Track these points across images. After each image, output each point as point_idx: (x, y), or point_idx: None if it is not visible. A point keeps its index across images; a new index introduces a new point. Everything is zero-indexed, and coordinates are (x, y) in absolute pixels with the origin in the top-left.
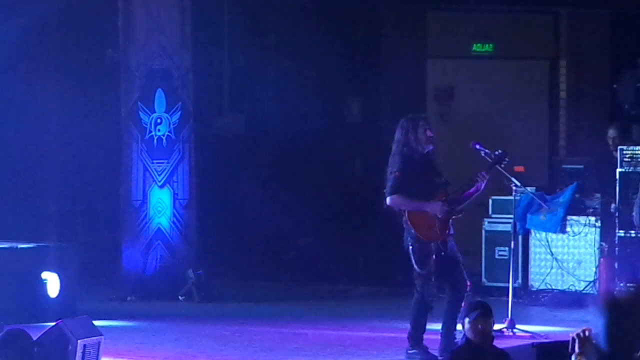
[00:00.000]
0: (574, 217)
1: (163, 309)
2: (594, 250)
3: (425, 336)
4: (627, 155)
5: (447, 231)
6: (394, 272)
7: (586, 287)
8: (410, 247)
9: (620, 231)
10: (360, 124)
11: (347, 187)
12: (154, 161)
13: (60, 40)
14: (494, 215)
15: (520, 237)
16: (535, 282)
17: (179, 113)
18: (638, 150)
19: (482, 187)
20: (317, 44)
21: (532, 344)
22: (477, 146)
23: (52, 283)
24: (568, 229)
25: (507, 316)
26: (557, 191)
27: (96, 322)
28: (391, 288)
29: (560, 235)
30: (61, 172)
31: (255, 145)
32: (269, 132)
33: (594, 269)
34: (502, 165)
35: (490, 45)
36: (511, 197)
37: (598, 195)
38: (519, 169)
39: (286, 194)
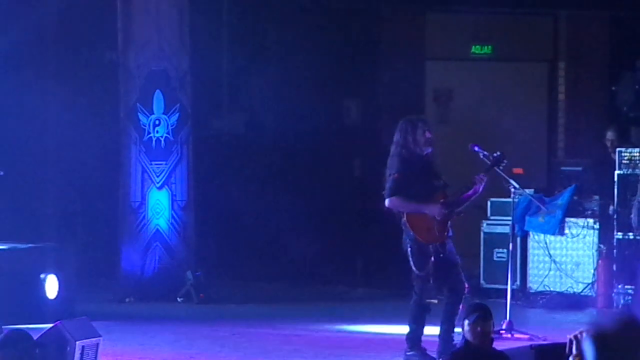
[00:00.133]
0: (573, 219)
1: (161, 311)
2: (593, 253)
3: (423, 338)
4: (626, 157)
5: (445, 233)
6: (392, 274)
7: (584, 289)
8: (409, 249)
9: (619, 233)
10: (359, 126)
11: (346, 188)
12: (153, 162)
13: (59, 41)
14: (492, 217)
15: (518, 239)
16: (534, 284)
17: (177, 114)
18: (636, 152)
19: (480, 189)
20: (316, 46)
21: (531, 345)
22: (476, 148)
23: (51, 284)
24: (566, 231)
25: (506, 318)
26: (556, 193)
27: (95, 324)
28: (389, 290)
29: (558, 237)
30: (60, 173)
31: (254, 146)
32: (267, 133)
33: (592, 271)
34: (501, 167)
35: (489, 47)
36: (510, 199)
37: (596, 197)
38: (518, 171)
39: (284, 195)
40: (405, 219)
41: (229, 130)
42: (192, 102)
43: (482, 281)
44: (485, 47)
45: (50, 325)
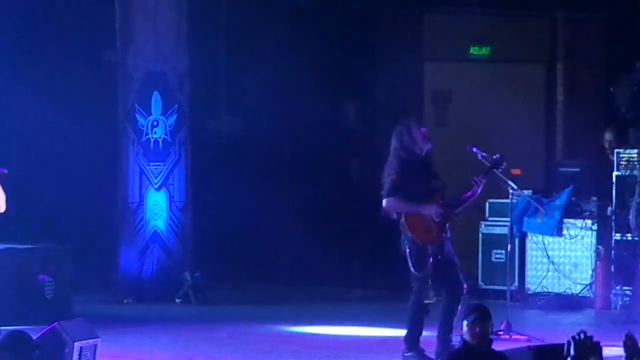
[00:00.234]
0: (571, 220)
1: (159, 312)
2: (591, 254)
3: (421, 339)
4: (624, 159)
5: (443, 234)
6: (390, 274)
7: (582, 290)
8: (407, 250)
9: (617, 234)
10: (357, 127)
11: (344, 189)
12: (151, 164)
13: (57, 42)
14: (490, 218)
15: (516, 240)
16: (532, 285)
17: (175, 116)
18: (634, 153)
19: (479, 191)
20: (314, 47)
21: (529, 347)
22: (474, 149)
23: (49, 285)
24: (564, 232)
25: (504, 319)
26: (554, 194)
27: (93, 325)
28: (387, 291)
29: (556, 239)
30: (57, 174)
31: (252, 147)
32: (265, 134)
33: (590, 272)
34: (500, 170)
35: (487, 48)
36: (508, 200)
37: (594, 198)
38: (516, 172)
39: (282, 196)
40: (403, 220)
41: (227, 132)
42: (190, 103)
43: (480, 282)
44: (484, 49)
45: (48, 326)
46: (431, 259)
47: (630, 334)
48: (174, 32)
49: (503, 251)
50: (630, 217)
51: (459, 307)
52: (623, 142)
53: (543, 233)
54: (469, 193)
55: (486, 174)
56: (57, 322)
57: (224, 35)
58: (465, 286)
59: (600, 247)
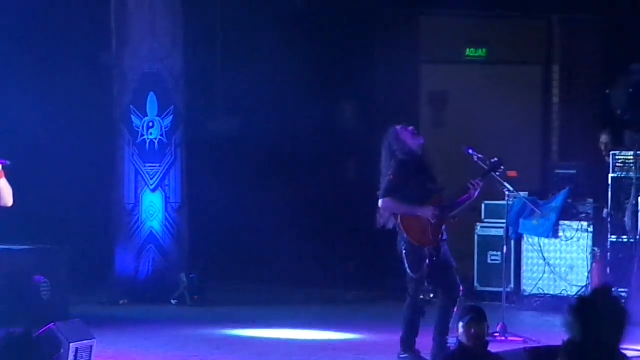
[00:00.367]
0: (567, 222)
1: (155, 313)
2: (587, 256)
3: (417, 341)
4: (620, 161)
5: (440, 236)
6: (386, 276)
7: (578, 292)
8: (404, 252)
9: (613, 236)
10: (354, 128)
11: (340, 190)
12: (146, 165)
13: (53, 43)
14: (486, 220)
15: (512, 242)
16: (528, 287)
17: (172, 117)
18: (630, 155)
19: (476, 194)
20: (311, 48)
21: (524, 348)
22: (470, 151)
23: (45, 286)
24: (560, 234)
25: (500, 321)
26: (550, 196)
27: (89, 326)
28: (383, 292)
29: (552, 240)
30: (53, 175)
31: (248, 149)
32: (261, 135)
33: (586, 274)
34: (498, 173)
35: (484, 50)
36: (504, 202)
37: (590, 200)
38: (512, 174)
39: (279, 197)
40: (399, 221)
41: (224, 133)
42: (187, 104)
43: (476, 284)
44: (480, 50)
45: (44, 327)
46: (427, 261)
47: None
48: (170, 33)
49: (499, 253)
50: (626, 219)
51: (455, 309)
52: (619, 144)
53: (539, 235)
54: (466, 196)
55: (484, 177)
56: (53, 323)
57: (220, 37)
58: (461, 288)
59: (596, 249)
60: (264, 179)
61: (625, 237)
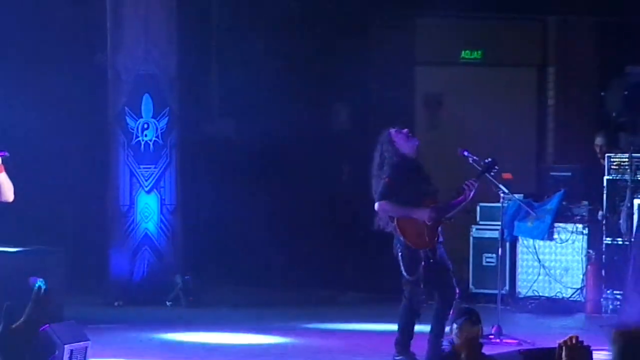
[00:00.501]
0: (562, 225)
1: (150, 314)
2: (581, 258)
3: (412, 342)
4: (615, 163)
5: (436, 238)
6: (381, 278)
7: (573, 294)
8: (400, 254)
9: (608, 239)
10: (348, 131)
11: (335, 193)
12: (141, 166)
13: (48, 44)
14: (481, 222)
15: (507, 244)
16: (523, 289)
17: (167, 118)
18: (625, 158)
19: (471, 195)
20: (306, 50)
21: (519, 350)
22: (465, 153)
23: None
24: (555, 236)
25: (495, 323)
26: (545, 198)
27: (83, 327)
28: (379, 294)
29: (547, 243)
30: (48, 176)
31: (243, 150)
32: (257, 137)
33: (581, 277)
34: (492, 174)
35: (479, 52)
36: (499, 204)
37: (585, 202)
38: (507, 176)
39: (274, 199)
40: (395, 223)
41: (219, 135)
42: (182, 106)
43: (471, 286)
44: (475, 53)
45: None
46: (423, 263)
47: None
48: (165, 34)
49: (494, 255)
50: (621, 221)
51: (451, 312)
52: (614, 146)
53: (534, 237)
54: (461, 197)
55: (478, 178)
56: (47, 325)
57: (215, 39)
58: (457, 291)
59: (591, 251)
60: (259, 181)
61: (620, 239)
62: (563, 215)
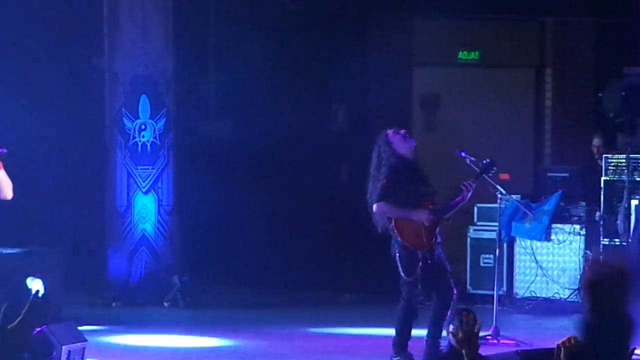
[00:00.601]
0: (559, 225)
1: (148, 315)
2: (579, 259)
3: (410, 343)
4: (612, 164)
5: (434, 239)
6: (380, 279)
7: (570, 295)
8: (397, 255)
9: (605, 239)
10: (346, 131)
11: (333, 193)
12: (138, 167)
13: (45, 45)
14: (479, 223)
15: (505, 245)
16: (520, 290)
17: (164, 119)
18: (623, 158)
19: (469, 196)
20: (304, 51)
21: (517, 351)
22: (463, 154)
23: (38, 288)
24: (553, 237)
25: (492, 324)
26: (542, 199)
27: (81, 328)
28: (377, 295)
29: (545, 243)
30: (45, 177)
31: (241, 152)
32: (254, 139)
33: (578, 277)
34: (490, 175)
35: (476, 53)
36: (496, 205)
37: (583, 203)
38: (504, 176)
39: (272, 200)
40: (393, 224)
41: (216, 136)
42: (179, 107)
43: (468, 287)
44: (472, 53)
45: (37, 329)
46: (421, 264)
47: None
48: (162, 35)
49: (491, 256)
50: (619, 222)
51: (449, 313)
52: (611, 147)
53: (531, 238)
54: (459, 198)
55: (476, 179)
56: (45, 326)
57: (212, 39)
58: (455, 291)
59: (588, 252)
60: (257, 182)
61: (617, 240)
62: (560, 216)
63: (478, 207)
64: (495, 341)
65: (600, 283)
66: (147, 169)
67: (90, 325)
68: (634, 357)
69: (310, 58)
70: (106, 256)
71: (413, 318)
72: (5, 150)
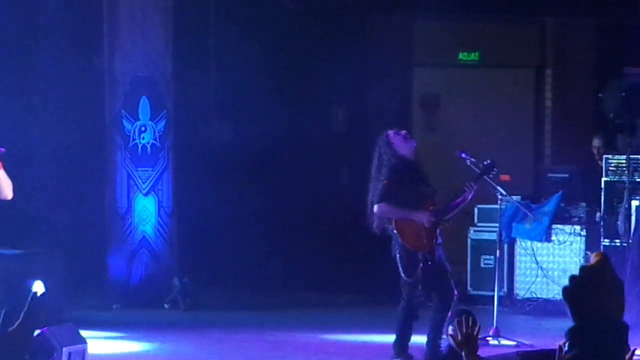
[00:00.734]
0: (559, 226)
1: (148, 317)
2: (579, 259)
3: (410, 345)
4: (612, 164)
5: (434, 240)
6: (380, 280)
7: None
8: (398, 255)
9: (605, 240)
10: (347, 132)
11: (333, 195)
12: (138, 169)
13: (45, 47)
14: (479, 224)
15: (505, 246)
16: (521, 291)
17: (164, 121)
18: (623, 159)
19: (470, 197)
20: (304, 52)
21: (518, 352)
22: (463, 155)
23: (38, 290)
24: (553, 237)
25: (493, 325)
26: (543, 200)
27: (81, 330)
28: (377, 296)
29: (545, 244)
30: (46, 179)
31: (241, 153)
32: (254, 140)
33: None
34: (490, 176)
35: (476, 53)
36: (497, 206)
37: (583, 204)
38: (505, 177)
39: (271, 202)
40: (394, 225)
41: (217, 137)
42: (179, 109)
43: (469, 288)
44: (473, 54)
45: (37, 331)
46: (422, 265)
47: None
48: (162, 36)
49: (492, 257)
50: (619, 222)
51: (449, 314)
52: (612, 147)
53: (532, 239)
54: (460, 199)
55: (477, 180)
56: (46, 327)
57: (212, 40)
58: (455, 292)
59: (589, 252)
60: (257, 183)
61: (618, 240)
62: (561, 216)
63: (478, 208)
64: (495, 342)
65: (581, 288)
66: (147, 170)
67: (90, 326)
68: (634, 357)
69: (310, 58)
70: (106, 258)
71: (413, 319)
72: (3, 150)
